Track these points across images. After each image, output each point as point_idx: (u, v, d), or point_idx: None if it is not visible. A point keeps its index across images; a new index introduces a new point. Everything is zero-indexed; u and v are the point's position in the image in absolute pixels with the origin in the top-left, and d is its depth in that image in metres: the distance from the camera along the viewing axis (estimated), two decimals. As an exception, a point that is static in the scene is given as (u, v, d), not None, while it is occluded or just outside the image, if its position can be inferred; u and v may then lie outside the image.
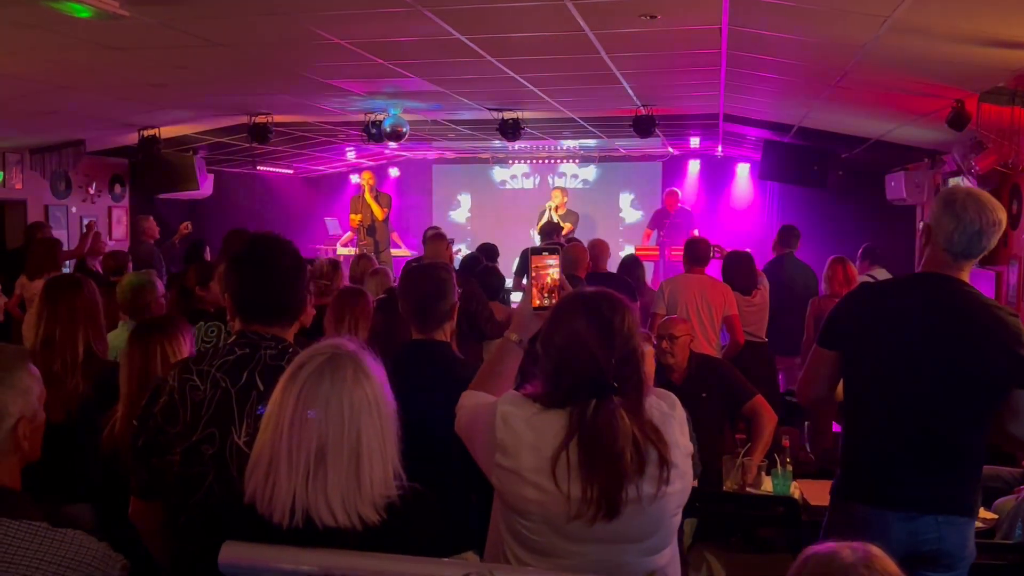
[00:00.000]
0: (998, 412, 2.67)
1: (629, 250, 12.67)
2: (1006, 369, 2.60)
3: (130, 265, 7.33)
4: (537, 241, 10.45)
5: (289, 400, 1.71)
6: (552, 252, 2.38)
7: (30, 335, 3.43)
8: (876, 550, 1.63)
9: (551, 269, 2.34)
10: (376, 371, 1.77)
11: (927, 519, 2.64)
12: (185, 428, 2.21)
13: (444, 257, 6.40)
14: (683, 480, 1.98)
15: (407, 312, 2.92)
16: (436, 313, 2.88)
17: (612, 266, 7.61)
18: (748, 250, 7.01)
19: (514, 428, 1.96)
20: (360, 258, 6.73)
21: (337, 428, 1.69)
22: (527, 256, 2.43)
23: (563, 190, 12.20)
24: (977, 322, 2.64)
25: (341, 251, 11.12)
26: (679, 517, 2.07)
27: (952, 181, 7.49)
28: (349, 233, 11.62)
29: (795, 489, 4.08)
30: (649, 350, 4.10)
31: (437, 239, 6.80)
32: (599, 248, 7.21)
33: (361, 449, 1.70)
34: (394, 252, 11.59)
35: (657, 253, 10.63)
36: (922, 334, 2.67)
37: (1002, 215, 2.68)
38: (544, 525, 1.92)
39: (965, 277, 2.75)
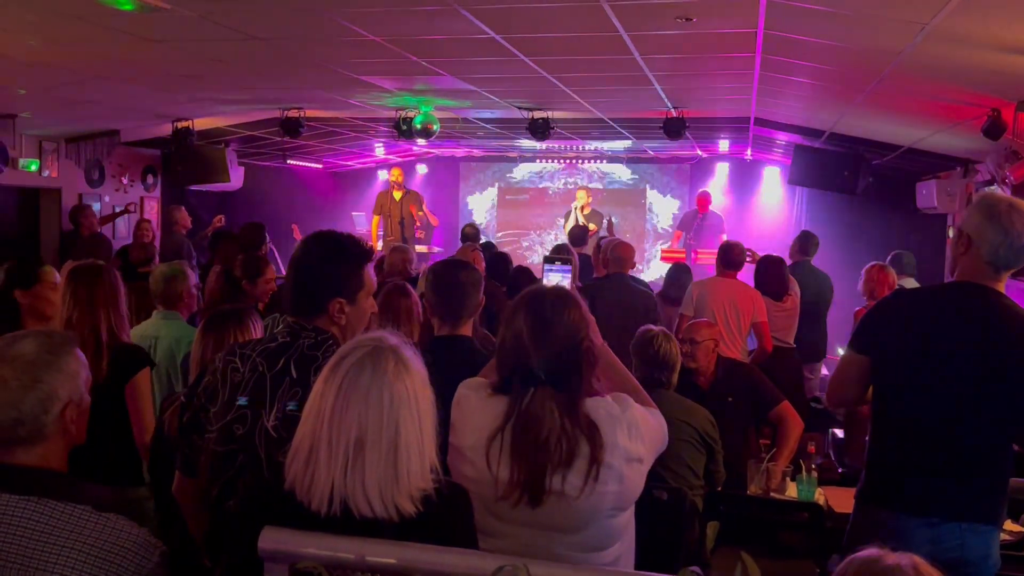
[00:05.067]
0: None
1: (655, 252, 12.69)
2: None
3: (156, 257, 7.45)
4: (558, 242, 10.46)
5: (331, 390, 1.74)
6: (565, 262, 2.46)
7: (58, 323, 3.50)
8: (919, 559, 1.64)
9: (563, 278, 2.42)
10: (417, 365, 1.81)
11: (950, 526, 2.64)
12: (222, 407, 2.29)
13: (476, 262, 6.44)
14: (622, 484, 2.03)
15: (433, 306, 2.96)
16: (462, 309, 2.93)
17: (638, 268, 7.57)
18: (781, 256, 6.98)
19: (463, 409, 2.14)
20: (395, 250, 6.76)
21: (376, 420, 1.72)
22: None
23: (588, 190, 12.21)
24: (1009, 333, 2.62)
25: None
26: (623, 520, 2.11)
27: (986, 191, 7.42)
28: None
29: (820, 496, 4.07)
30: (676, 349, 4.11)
31: (467, 250, 6.87)
32: (622, 250, 7.15)
33: (399, 441, 1.73)
34: (420, 248, 11.64)
35: (684, 255, 10.60)
36: (952, 343, 2.66)
37: None
38: (479, 502, 2.01)
39: (1001, 288, 2.73)
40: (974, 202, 2.78)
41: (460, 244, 7.41)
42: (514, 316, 2.11)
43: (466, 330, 2.98)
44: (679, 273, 7.14)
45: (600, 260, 6.90)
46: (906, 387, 2.74)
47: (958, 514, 2.64)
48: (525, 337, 2.05)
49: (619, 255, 6.41)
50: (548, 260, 2.49)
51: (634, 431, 2.08)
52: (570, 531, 2.04)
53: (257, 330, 3.07)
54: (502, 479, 2.00)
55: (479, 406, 2.11)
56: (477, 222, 13.64)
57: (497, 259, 6.87)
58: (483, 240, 9.20)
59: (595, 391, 2.11)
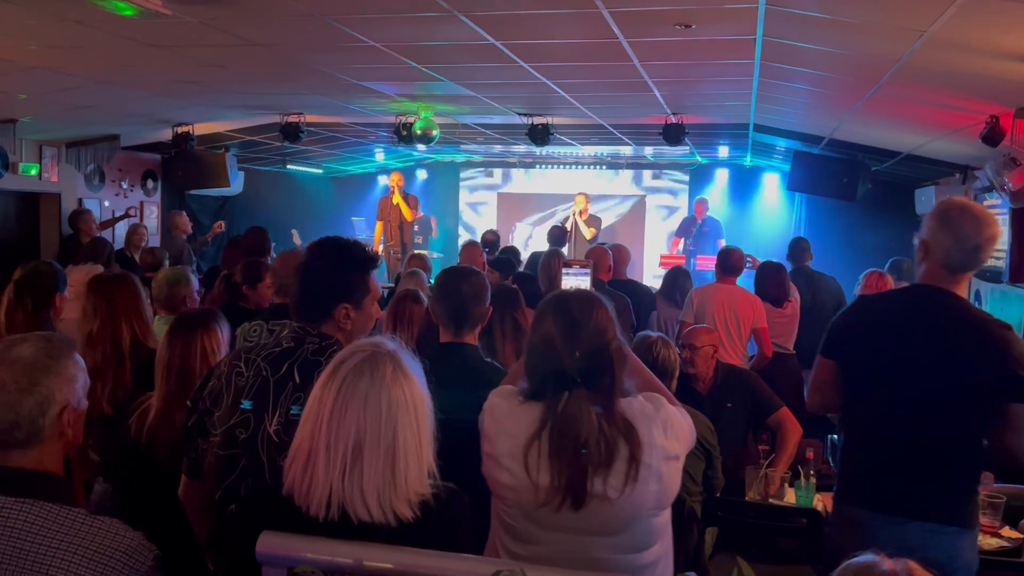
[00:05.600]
0: (996, 425, 2.69)
1: (654, 257, 12.69)
2: (993, 382, 2.64)
3: (166, 262, 7.45)
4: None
5: (329, 395, 1.75)
6: (582, 267, 2.48)
7: (74, 331, 3.49)
8: (913, 564, 1.66)
9: (579, 282, 2.44)
10: (415, 371, 1.81)
11: (914, 525, 2.68)
12: (226, 411, 2.30)
13: (476, 263, 6.44)
14: (661, 482, 2.04)
15: (440, 314, 2.96)
16: (469, 317, 2.93)
17: (637, 273, 7.58)
18: (780, 262, 6.97)
19: (496, 417, 2.13)
20: (410, 275, 6.78)
21: (374, 425, 1.72)
22: (553, 271, 2.53)
23: (587, 196, 12.21)
24: (966, 334, 2.70)
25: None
26: (663, 520, 2.12)
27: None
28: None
29: (818, 501, 4.07)
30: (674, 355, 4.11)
31: (471, 246, 6.89)
32: (620, 254, 7.17)
33: (397, 446, 1.73)
34: (417, 253, 11.64)
35: (683, 261, 10.61)
36: (911, 344, 2.74)
37: (997, 229, 2.75)
38: (518, 510, 2.02)
39: (960, 291, 2.81)
40: (932, 209, 2.86)
41: (461, 250, 7.40)
42: (542, 320, 2.11)
43: (471, 339, 2.98)
44: (678, 275, 7.14)
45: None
46: (870, 389, 2.82)
47: (922, 514, 2.68)
48: (556, 340, 2.05)
49: (619, 259, 6.44)
50: (566, 265, 2.52)
51: (669, 429, 2.09)
52: (612, 533, 2.03)
53: (224, 335, 3.06)
54: (543, 485, 1.99)
55: (512, 413, 2.11)
56: (473, 226, 13.68)
57: (500, 265, 6.87)
58: (504, 247, 9.14)
59: (627, 391, 2.12)
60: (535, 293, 6.05)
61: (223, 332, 3.06)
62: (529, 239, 13.65)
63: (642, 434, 2.02)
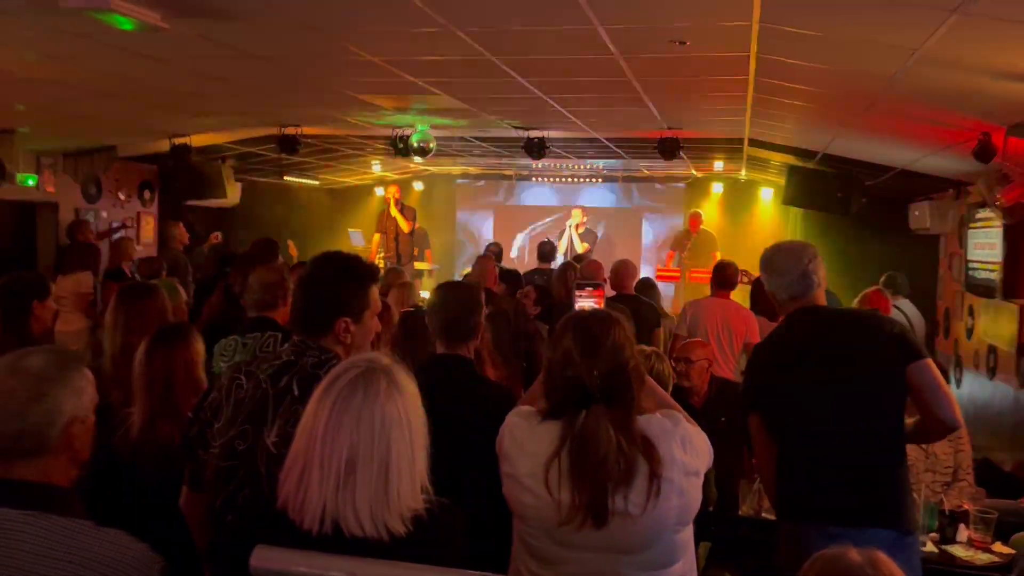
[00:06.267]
0: (919, 410, 2.87)
1: (649, 271, 12.72)
2: (889, 348, 2.85)
3: (164, 273, 7.45)
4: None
5: (323, 410, 1.76)
6: (596, 287, 2.54)
7: (73, 342, 3.47)
8: (881, 555, 1.71)
9: (592, 301, 2.50)
10: (409, 386, 1.82)
11: (842, 532, 2.68)
12: (225, 423, 2.31)
13: (489, 275, 6.43)
14: (683, 497, 2.05)
15: (434, 327, 2.98)
16: (462, 330, 2.94)
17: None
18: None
19: (516, 437, 2.15)
20: (400, 286, 6.79)
21: (368, 440, 1.73)
22: (569, 285, 2.61)
23: (584, 209, 12.25)
24: (849, 325, 3.05)
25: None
26: (686, 536, 2.13)
27: (978, 212, 7.48)
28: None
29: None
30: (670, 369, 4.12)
31: (484, 258, 6.91)
32: (626, 268, 7.12)
33: (391, 462, 1.74)
34: (417, 265, 11.67)
35: (678, 275, 10.64)
36: (811, 357, 2.94)
37: (812, 249, 3.10)
38: (540, 530, 2.02)
39: (821, 302, 3.09)
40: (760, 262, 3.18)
41: (456, 262, 7.43)
42: (561, 338, 2.14)
43: (465, 351, 3.00)
44: (643, 286, 7.15)
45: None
46: (791, 411, 2.96)
47: (852, 521, 2.74)
48: (575, 357, 2.08)
49: (620, 273, 6.44)
50: (579, 286, 2.60)
51: (688, 445, 2.11)
52: (636, 551, 2.04)
53: (200, 346, 3.07)
54: (564, 503, 2.00)
55: (531, 433, 2.12)
56: (475, 236, 13.70)
57: (508, 277, 6.90)
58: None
59: (645, 408, 2.14)
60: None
61: (198, 344, 3.06)
62: (521, 248, 13.68)
63: (662, 450, 2.04)
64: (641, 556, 2.04)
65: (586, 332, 2.11)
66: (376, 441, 1.73)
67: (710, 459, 2.25)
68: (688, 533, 2.14)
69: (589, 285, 2.59)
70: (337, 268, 2.43)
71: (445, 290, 3.10)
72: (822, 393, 2.88)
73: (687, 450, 2.09)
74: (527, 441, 2.11)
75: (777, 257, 3.12)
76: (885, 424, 2.86)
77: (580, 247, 10.61)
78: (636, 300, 6.42)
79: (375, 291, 2.48)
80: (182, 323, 3.40)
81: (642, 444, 2.03)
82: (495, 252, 9.12)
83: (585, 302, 2.59)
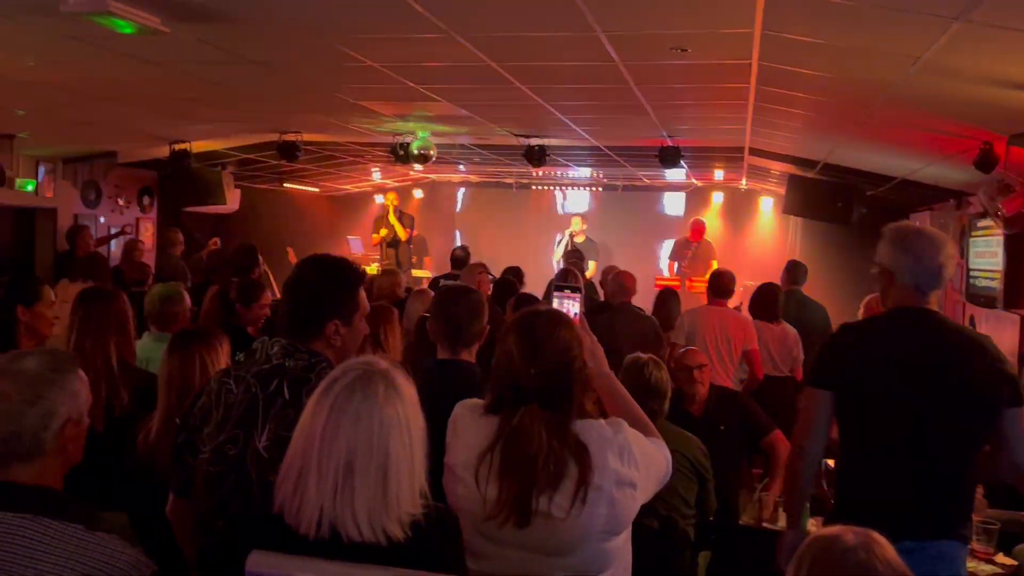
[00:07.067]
0: (996, 448, 2.73)
1: (649, 280, 12.71)
2: (993, 387, 2.69)
3: (151, 278, 7.43)
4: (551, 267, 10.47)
5: (321, 413, 1.74)
6: (574, 291, 2.49)
7: (62, 344, 3.47)
8: (877, 536, 1.71)
9: (572, 306, 2.46)
10: (407, 390, 1.81)
11: (911, 545, 2.66)
12: (215, 428, 2.29)
13: (481, 287, 6.36)
14: (613, 507, 2.03)
15: (437, 331, 2.97)
16: (465, 334, 2.94)
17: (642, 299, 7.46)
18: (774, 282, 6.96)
19: (457, 428, 2.18)
20: (384, 274, 6.74)
21: (366, 444, 1.72)
22: (550, 290, 2.55)
23: (583, 217, 12.24)
24: (958, 347, 2.76)
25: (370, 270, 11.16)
26: (617, 545, 2.11)
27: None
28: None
29: (813, 525, 4.05)
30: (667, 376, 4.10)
31: (474, 270, 6.82)
32: (624, 278, 7.06)
33: (389, 466, 1.72)
34: (415, 272, 11.66)
35: (679, 284, 10.63)
36: (907, 366, 2.76)
37: (953, 248, 2.85)
38: (469, 523, 2.02)
39: (935, 307, 2.87)
40: (885, 237, 2.92)
41: (463, 272, 7.34)
42: (507, 335, 2.14)
43: (467, 356, 2.99)
44: (668, 299, 7.13)
45: (604, 289, 6.94)
46: (869, 415, 2.81)
47: (922, 534, 2.67)
48: (515, 356, 2.08)
49: (623, 283, 6.43)
50: (558, 288, 2.53)
51: (627, 455, 2.07)
52: (559, 554, 2.03)
53: (224, 351, 3.06)
54: (490, 498, 2.01)
55: (472, 425, 2.13)
56: (475, 245, 13.68)
57: (502, 287, 6.85)
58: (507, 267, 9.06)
59: (588, 413, 2.12)
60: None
61: (223, 348, 3.06)
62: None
63: (595, 457, 2.02)
64: (564, 560, 2.04)
65: (530, 332, 2.11)
66: (374, 444, 1.72)
67: (664, 474, 2.22)
68: (619, 543, 2.11)
69: (567, 288, 2.55)
70: (327, 270, 2.42)
71: (448, 294, 3.08)
72: (915, 408, 2.73)
73: (624, 460, 2.07)
74: (466, 433, 2.13)
75: (917, 240, 2.83)
76: (968, 450, 2.77)
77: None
78: (633, 307, 6.40)
79: (363, 294, 2.47)
80: (203, 326, 3.39)
81: (575, 448, 2.02)
82: (461, 257, 8.94)
83: (560, 306, 2.52)
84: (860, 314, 6.19)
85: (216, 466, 2.26)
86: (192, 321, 4.99)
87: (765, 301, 6.51)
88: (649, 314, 6.62)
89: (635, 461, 2.09)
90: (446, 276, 8.24)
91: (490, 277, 6.94)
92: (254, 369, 2.34)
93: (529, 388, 2.05)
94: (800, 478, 2.99)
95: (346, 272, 2.43)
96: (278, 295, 6.01)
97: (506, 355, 2.11)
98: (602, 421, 2.13)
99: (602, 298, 7.15)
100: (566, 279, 6.49)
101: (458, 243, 13.91)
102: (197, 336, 3.06)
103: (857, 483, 2.87)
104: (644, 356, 4.05)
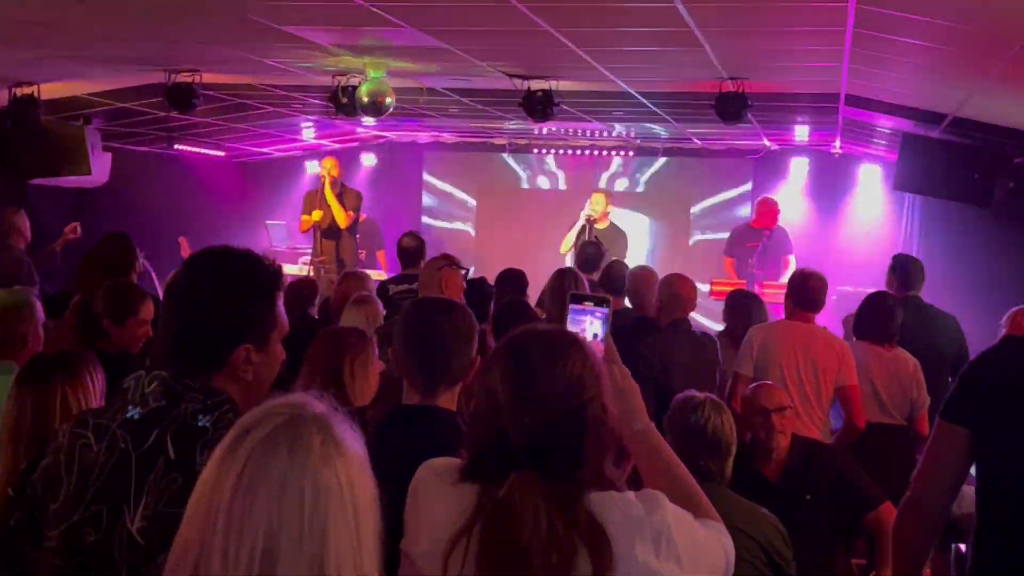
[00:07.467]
0: None
1: (703, 284, 12.73)
2: None
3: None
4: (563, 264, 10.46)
5: (228, 479, 1.72)
6: (600, 303, 2.43)
7: None
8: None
9: (593, 326, 2.39)
10: (352, 442, 1.79)
11: None
12: (66, 503, 2.25)
13: (451, 290, 6.10)
14: None
15: (403, 364, 2.97)
16: (446, 371, 2.94)
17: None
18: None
19: (419, 501, 2.16)
20: (350, 277, 6.72)
21: (294, 522, 1.70)
22: (564, 302, 2.48)
23: (608, 194, 12.24)
24: None
25: (292, 270, 11.14)
26: None
27: None
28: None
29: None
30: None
31: (435, 267, 6.50)
32: (679, 286, 6.73)
33: (327, 552, 1.70)
34: (371, 274, 11.65)
35: (744, 288, 10.64)
36: None
37: None
38: None
39: None
40: None
41: (422, 272, 7.21)
42: (491, 368, 2.12)
43: (446, 401, 2.98)
44: (749, 305, 7.11)
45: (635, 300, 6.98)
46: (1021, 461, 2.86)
47: None
48: (502, 398, 2.05)
49: (678, 293, 6.39)
50: (575, 299, 2.45)
51: (664, 543, 2.04)
52: None
53: (97, 386, 3.05)
54: None
55: (440, 497, 2.10)
56: (452, 233, 13.68)
57: (472, 289, 6.82)
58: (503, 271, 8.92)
59: (609, 482, 2.10)
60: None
61: (95, 381, 3.05)
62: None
63: (616, 544, 1.99)
64: None
65: (523, 363, 2.07)
66: (306, 523, 1.70)
67: (717, 570, 2.18)
68: None
69: (589, 300, 2.48)
70: (231, 272, 2.38)
71: (423, 310, 3.07)
72: None
73: (660, 551, 2.03)
74: (432, 507, 2.10)
75: None
76: None
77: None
78: (688, 325, 6.42)
79: (281, 305, 2.44)
80: (65, 351, 3.39)
81: (588, 532, 1.98)
82: (410, 248, 8.72)
83: (578, 326, 2.46)
84: (1004, 331, 6.21)
85: (68, 559, 2.24)
86: (46, 343, 4.97)
87: (877, 316, 6.48)
88: (714, 335, 6.63)
89: (676, 553, 2.06)
90: (397, 279, 8.20)
91: (463, 272, 6.71)
92: (123, 416, 2.30)
93: (521, 445, 2.02)
94: (913, 545, 3.05)
95: (258, 273, 2.40)
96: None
97: (489, 397, 2.08)
98: (631, 495, 2.10)
99: (637, 313, 7.11)
100: (565, 281, 6.47)
101: (425, 230, 13.95)
102: (58, 365, 3.04)
103: (1001, 553, 2.91)
104: (700, 395, 4.05)
